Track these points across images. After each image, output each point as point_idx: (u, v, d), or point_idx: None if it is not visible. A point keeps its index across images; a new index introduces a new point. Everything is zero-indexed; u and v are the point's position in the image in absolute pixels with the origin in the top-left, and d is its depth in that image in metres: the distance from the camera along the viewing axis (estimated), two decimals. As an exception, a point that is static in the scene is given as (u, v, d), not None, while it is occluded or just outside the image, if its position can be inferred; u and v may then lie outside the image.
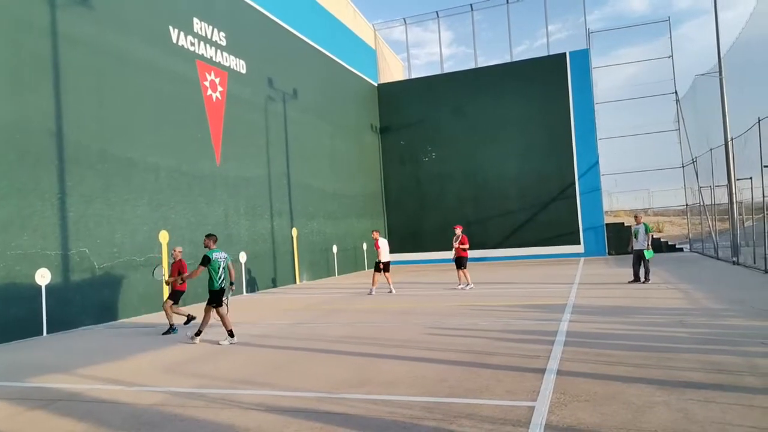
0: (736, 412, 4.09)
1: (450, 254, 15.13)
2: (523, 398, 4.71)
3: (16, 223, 10.00)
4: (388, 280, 14.47)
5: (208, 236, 8.69)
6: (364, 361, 6.55)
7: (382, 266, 14.28)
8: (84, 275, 11.26)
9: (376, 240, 14.49)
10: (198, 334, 8.66)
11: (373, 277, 14.48)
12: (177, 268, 9.97)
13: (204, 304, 8.91)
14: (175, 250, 10.24)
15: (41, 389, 6.05)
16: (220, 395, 5.38)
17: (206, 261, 8.34)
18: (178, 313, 10.03)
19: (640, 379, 5.07)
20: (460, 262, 14.55)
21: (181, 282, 9.78)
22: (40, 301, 10.28)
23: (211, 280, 8.44)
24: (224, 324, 8.43)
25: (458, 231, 14.74)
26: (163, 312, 9.90)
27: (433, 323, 9.05)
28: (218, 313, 8.47)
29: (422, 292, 14.35)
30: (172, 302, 9.85)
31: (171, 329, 9.56)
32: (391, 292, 14.30)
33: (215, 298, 8.45)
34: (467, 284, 14.36)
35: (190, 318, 10.36)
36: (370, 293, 14.19)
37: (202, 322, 8.72)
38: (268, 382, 5.85)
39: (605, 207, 26.59)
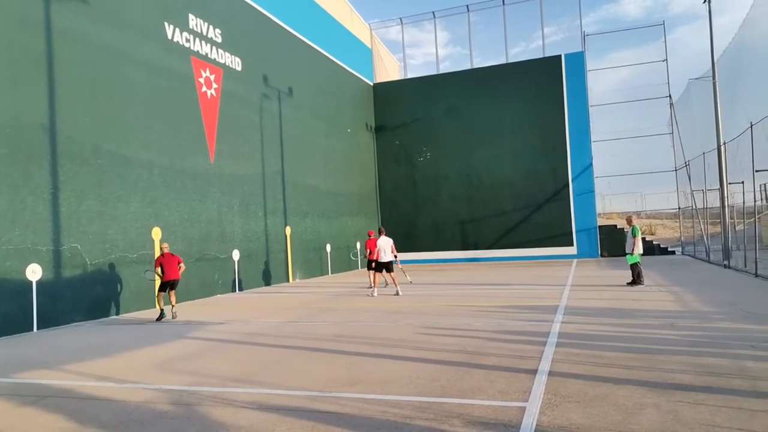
0: (725, 415, 4.13)
1: (443, 254, 15.09)
2: (514, 399, 4.73)
3: (7, 218, 9.93)
4: (390, 280, 14.21)
5: None
6: (357, 360, 6.55)
7: (374, 265, 14.15)
8: (75, 271, 11.19)
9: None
10: None
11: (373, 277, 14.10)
12: None
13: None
14: None
15: (31, 385, 6.01)
16: (211, 393, 5.36)
17: None
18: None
19: (631, 381, 5.10)
20: (380, 267, 13.88)
21: None
22: (31, 296, 10.21)
23: None
24: None
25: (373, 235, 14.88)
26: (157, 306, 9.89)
27: (426, 323, 9.06)
28: None
29: (416, 291, 14.35)
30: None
31: None
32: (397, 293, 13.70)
33: None
34: (372, 287, 14.04)
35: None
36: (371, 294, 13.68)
37: None
38: (260, 380, 5.84)
39: (598, 209, 26.70)
